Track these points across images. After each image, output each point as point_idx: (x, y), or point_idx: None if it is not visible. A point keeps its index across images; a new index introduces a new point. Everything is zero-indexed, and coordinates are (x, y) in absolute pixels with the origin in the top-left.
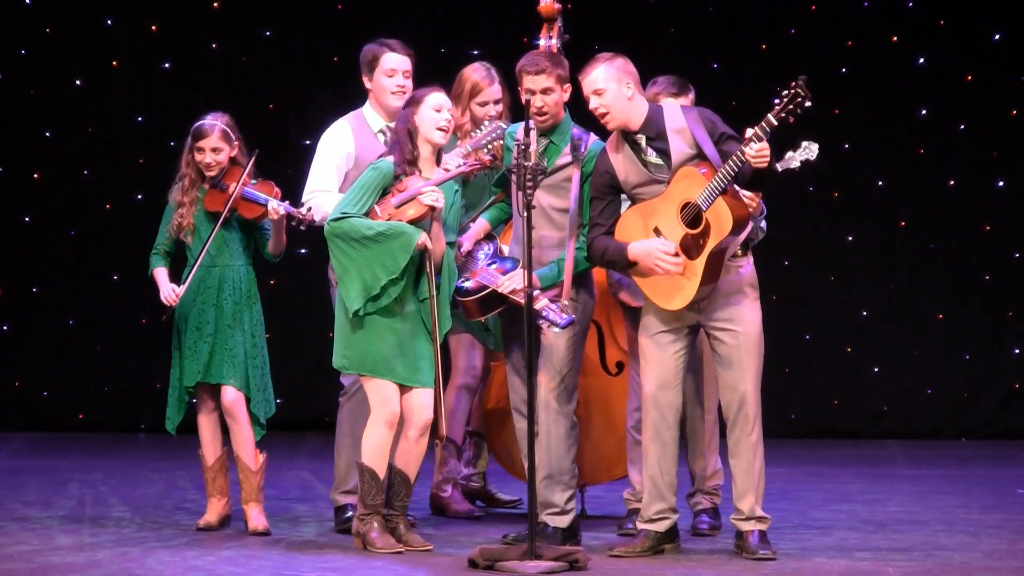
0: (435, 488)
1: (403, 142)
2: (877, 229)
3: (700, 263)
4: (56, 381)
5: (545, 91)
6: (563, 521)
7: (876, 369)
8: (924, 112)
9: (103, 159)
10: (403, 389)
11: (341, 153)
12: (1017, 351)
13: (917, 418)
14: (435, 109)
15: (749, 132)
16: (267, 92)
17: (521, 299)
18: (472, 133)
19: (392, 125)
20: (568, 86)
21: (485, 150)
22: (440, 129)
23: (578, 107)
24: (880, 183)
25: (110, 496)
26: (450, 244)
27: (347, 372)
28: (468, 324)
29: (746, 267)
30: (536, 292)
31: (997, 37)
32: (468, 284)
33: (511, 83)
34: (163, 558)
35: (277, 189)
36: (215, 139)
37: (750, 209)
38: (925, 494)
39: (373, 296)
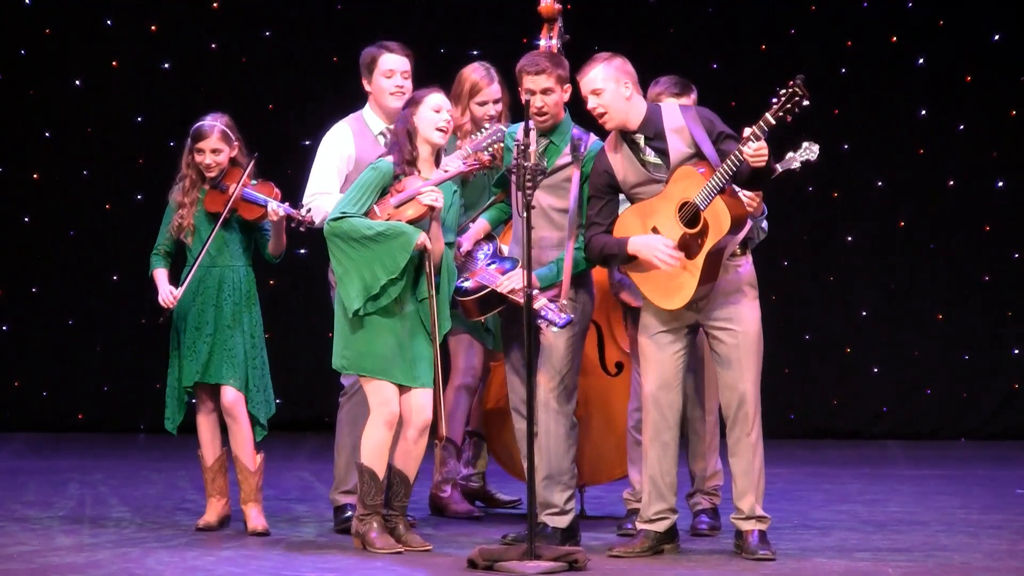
0: (434, 488)
1: (402, 142)
2: (877, 229)
3: (698, 262)
4: (56, 381)
5: (545, 91)
6: (562, 521)
7: (876, 369)
8: (924, 112)
9: (103, 159)
10: (402, 389)
11: (342, 155)
12: (1017, 351)
13: (917, 418)
14: (434, 110)
15: (747, 131)
16: (267, 92)
17: (520, 299)
18: (472, 135)
19: (392, 127)
20: (568, 86)
21: (486, 152)
22: (439, 130)
23: (578, 107)
24: (880, 183)
25: (110, 496)
26: (449, 244)
27: (346, 373)
28: (468, 324)
29: (745, 266)
30: (535, 292)
31: (996, 37)
32: (467, 284)
33: (511, 83)
34: (163, 558)
35: (277, 190)
36: (215, 140)
37: (751, 209)
38: (925, 494)
39: (373, 296)
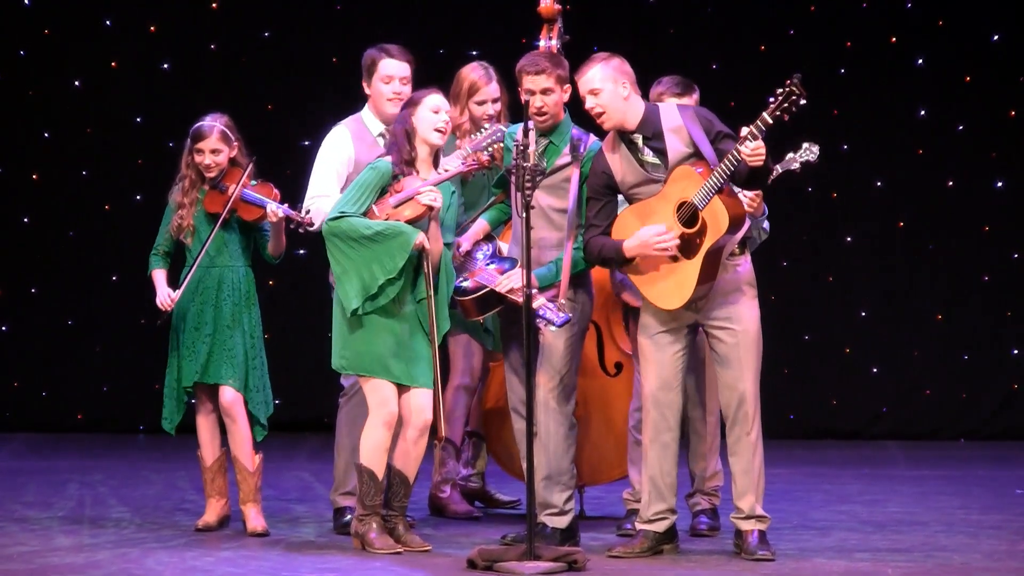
0: (434, 489)
1: (401, 143)
2: (876, 230)
3: (697, 262)
4: (55, 382)
5: (545, 91)
6: (562, 522)
7: (875, 370)
8: (923, 113)
9: (102, 160)
10: (401, 390)
11: (342, 158)
12: (1016, 352)
13: (916, 419)
14: (433, 110)
15: (744, 131)
16: (266, 93)
17: (519, 298)
18: (472, 135)
19: (391, 128)
20: (568, 87)
21: (485, 152)
22: (438, 130)
23: (578, 107)
24: (879, 184)
25: (109, 497)
26: (448, 245)
27: (345, 373)
28: (466, 324)
29: (744, 265)
30: (533, 291)
31: (996, 38)
32: (466, 284)
33: (510, 84)
34: (162, 559)
35: (276, 191)
36: (214, 140)
37: (751, 209)
38: (924, 495)
39: (371, 296)
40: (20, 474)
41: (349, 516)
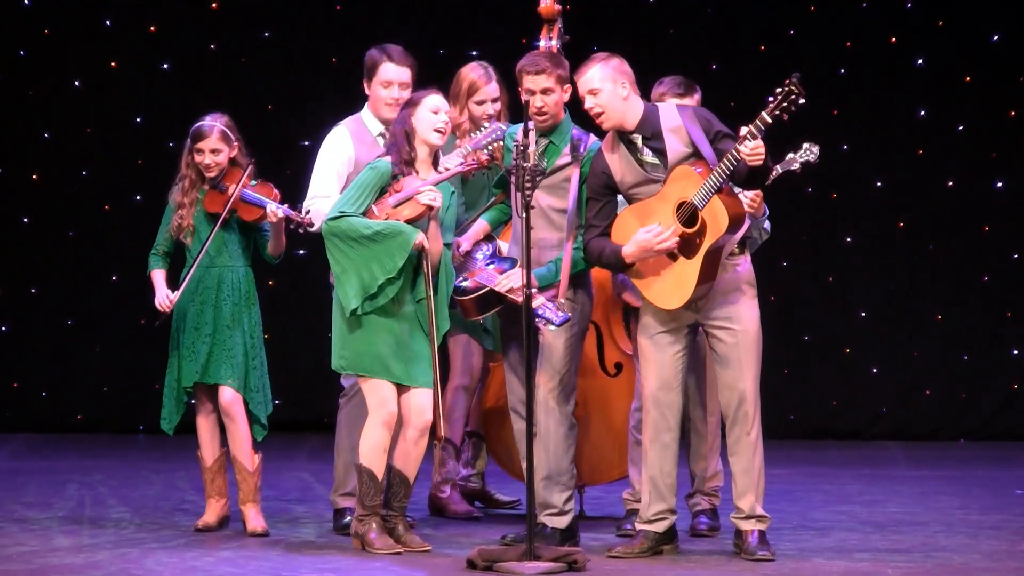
0: (434, 489)
1: (400, 143)
2: (876, 230)
3: (697, 262)
4: (55, 382)
5: (545, 91)
6: (562, 522)
7: (875, 370)
8: (923, 113)
9: (102, 160)
10: (401, 390)
11: (342, 158)
12: (1016, 352)
13: (916, 419)
14: (432, 111)
15: (743, 130)
16: (266, 93)
17: (518, 297)
18: (472, 134)
19: (391, 128)
20: (568, 87)
21: (485, 151)
22: (437, 131)
23: (578, 107)
24: (879, 184)
25: (109, 497)
26: (447, 245)
27: (345, 373)
28: (466, 325)
29: (743, 265)
30: (533, 291)
31: (996, 38)
32: (466, 284)
33: (510, 84)
34: (162, 559)
35: (276, 191)
36: (214, 140)
37: (751, 210)
38: (924, 495)
39: (370, 295)
40: (20, 474)
41: (349, 517)
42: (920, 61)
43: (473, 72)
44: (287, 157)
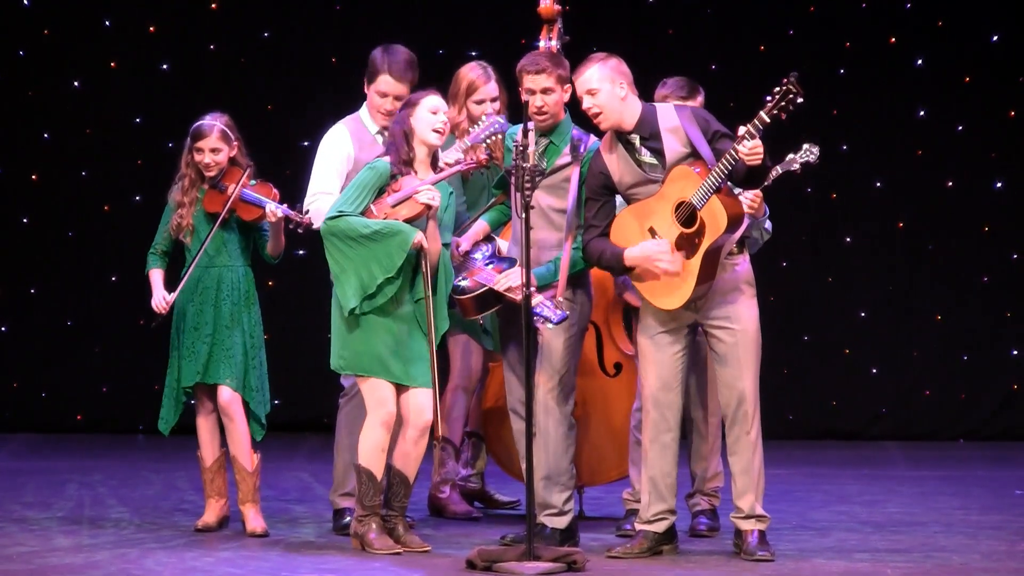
0: (433, 489)
1: (399, 143)
2: (876, 230)
3: (696, 262)
4: (55, 382)
5: (545, 91)
6: (561, 522)
7: (875, 370)
8: (922, 113)
9: (101, 160)
10: (400, 389)
11: (341, 156)
12: (1016, 352)
13: (916, 419)
14: (431, 111)
15: (742, 130)
16: (266, 93)
17: (517, 296)
18: (470, 129)
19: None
20: (568, 87)
21: (484, 146)
22: (436, 131)
23: (578, 108)
24: (878, 184)
25: (109, 497)
26: (445, 245)
27: (344, 372)
28: (466, 325)
29: (742, 264)
30: (532, 290)
31: (995, 38)
32: (465, 283)
33: (510, 84)
34: (161, 559)
35: (275, 191)
36: (214, 139)
37: (751, 210)
38: (924, 495)
39: (369, 295)
40: (20, 474)
41: (349, 517)
42: (920, 61)
43: (472, 72)
44: (287, 157)
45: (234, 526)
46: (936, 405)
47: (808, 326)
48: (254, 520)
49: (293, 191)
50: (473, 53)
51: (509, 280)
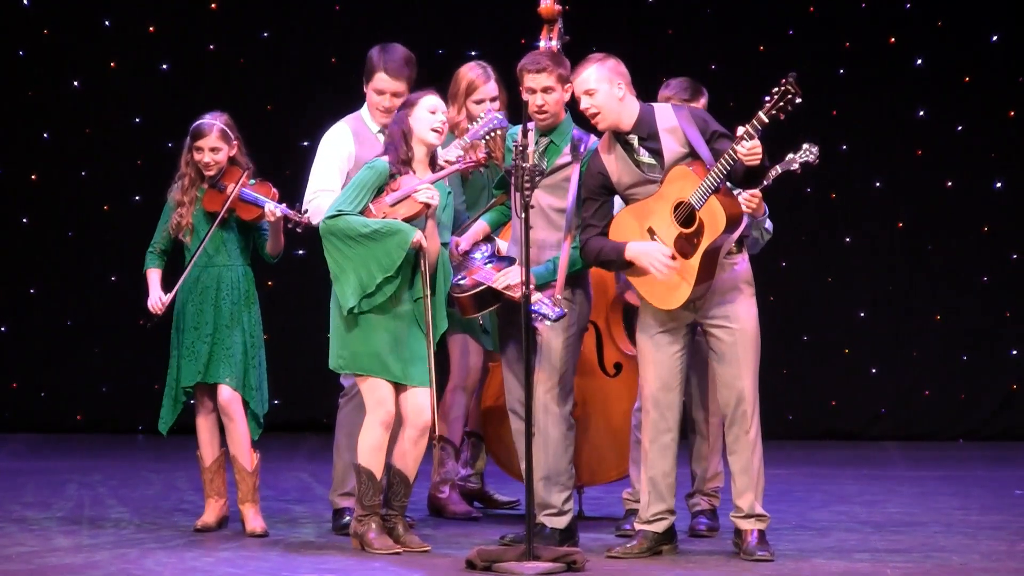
0: (433, 489)
1: (397, 143)
2: (875, 230)
3: (695, 262)
4: (54, 382)
5: (546, 89)
6: (561, 522)
7: (874, 370)
8: (922, 113)
9: (101, 160)
10: (399, 389)
11: (342, 154)
12: (1015, 352)
13: (915, 419)
14: (429, 111)
15: (740, 130)
16: (265, 93)
17: (515, 294)
18: (470, 124)
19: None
20: (569, 86)
21: (483, 144)
22: (434, 130)
23: (579, 108)
24: (878, 184)
25: (108, 497)
26: (443, 244)
27: (343, 372)
28: (466, 325)
29: (741, 264)
30: (530, 288)
31: (995, 38)
32: (464, 281)
33: (510, 84)
34: (161, 559)
35: (275, 191)
36: (214, 138)
37: (750, 209)
38: (924, 495)
39: (368, 294)
40: (19, 474)
41: (348, 517)
42: (919, 61)
43: (471, 72)
44: (286, 157)
45: (234, 526)
46: (936, 405)
47: (808, 326)
48: (254, 520)
49: (293, 191)
50: (473, 53)
51: (508, 278)
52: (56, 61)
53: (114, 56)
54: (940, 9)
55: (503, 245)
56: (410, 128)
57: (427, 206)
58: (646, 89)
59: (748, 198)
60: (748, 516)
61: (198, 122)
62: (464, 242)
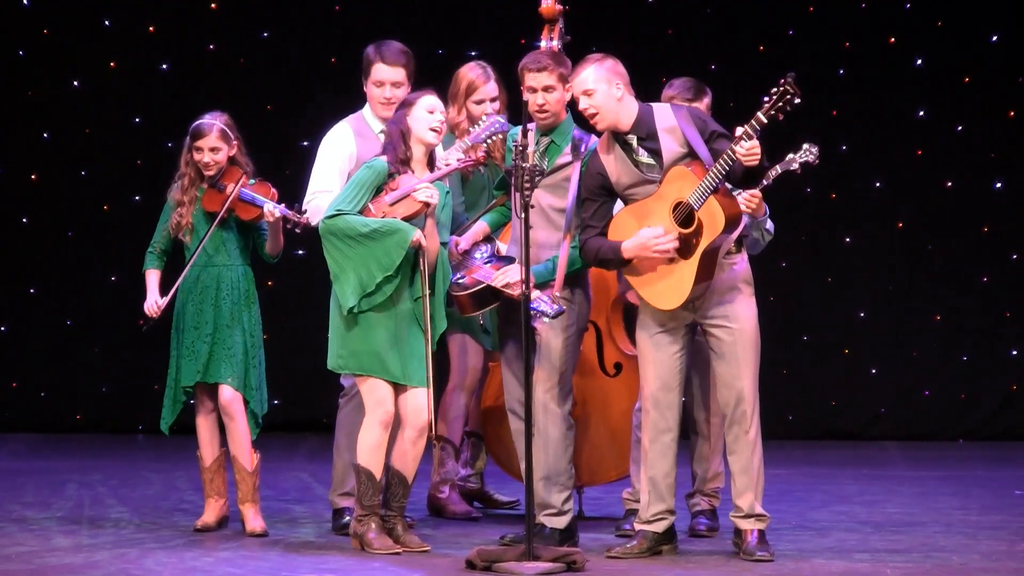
0: (433, 489)
1: (396, 143)
2: (875, 230)
3: (694, 262)
4: (54, 382)
5: (547, 89)
6: (560, 522)
7: (874, 370)
8: (922, 113)
9: (101, 160)
10: (399, 389)
11: (343, 155)
12: (1015, 352)
13: (915, 419)
14: (428, 111)
15: (739, 130)
16: (265, 93)
17: (514, 292)
18: (470, 128)
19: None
20: (570, 85)
21: (484, 145)
22: (433, 130)
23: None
24: (878, 184)
25: (108, 497)
26: (442, 244)
27: (342, 372)
28: (466, 325)
29: (740, 264)
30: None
31: (995, 38)
32: (463, 280)
33: (510, 84)
34: (161, 559)
35: (274, 191)
36: (213, 138)
37: (750, 209)
38: (923, 495)
39: (368, 293)
40: (19, 474)
41: (348, 517)
42: (919, 61)
43: (471, 72)
44: (286, 157)
45: (233, 526)
46: (936, 405)
47: (808, 326)
48: (253, 520)
49: (292, 191)
50: (473, 53)
51: (507, 276)
52: (56, 61)
53: (114, 56)
54: (940, 9)
55: (503, 246)
56: (408, 128)
57: (426, 205)
58: (646, 89)
59: (748, 198)
60: (748, 516)
61: (198, 122)
62: (464, 242)
